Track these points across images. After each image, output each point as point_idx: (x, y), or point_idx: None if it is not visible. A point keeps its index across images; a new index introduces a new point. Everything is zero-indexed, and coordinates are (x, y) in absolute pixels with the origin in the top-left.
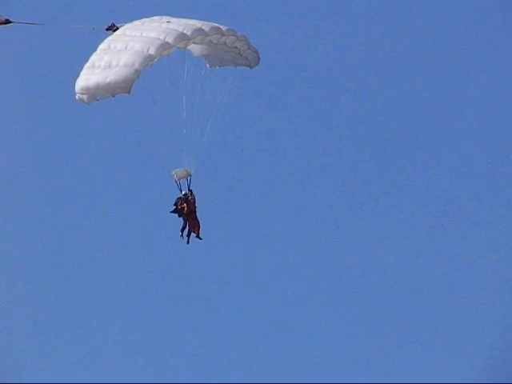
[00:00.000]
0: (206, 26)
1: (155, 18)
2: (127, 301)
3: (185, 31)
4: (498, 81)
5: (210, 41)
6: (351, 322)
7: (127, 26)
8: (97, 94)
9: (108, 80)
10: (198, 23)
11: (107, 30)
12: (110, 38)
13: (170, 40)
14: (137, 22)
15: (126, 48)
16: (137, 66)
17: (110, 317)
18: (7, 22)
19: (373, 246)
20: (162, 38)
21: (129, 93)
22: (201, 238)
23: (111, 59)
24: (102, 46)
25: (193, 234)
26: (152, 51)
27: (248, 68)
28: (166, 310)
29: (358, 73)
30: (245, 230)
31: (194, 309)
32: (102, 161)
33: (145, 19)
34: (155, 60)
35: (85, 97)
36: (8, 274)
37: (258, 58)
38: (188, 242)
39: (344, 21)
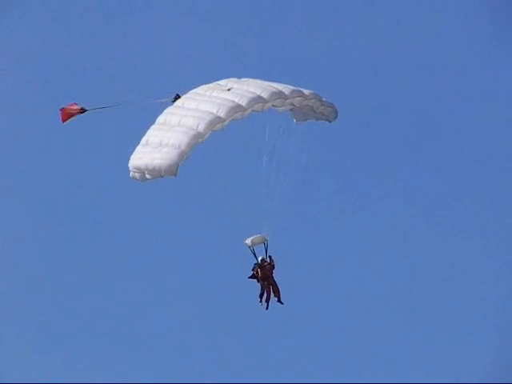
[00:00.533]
0: (266, 92)
1: (221, 82)
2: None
3: (240, 102)
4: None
5: (273, 105)
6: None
7: (188, 94)
8: (147, 174)
9: (154, 163)
10: (258, 89)
11: (173, 102)
12: (168, 109)
13: (222, 114)
14: (199, 90)
15: (178, 124)
16: (183, 147)
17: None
18: (82, 110)
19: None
20: (214, 111)
21: (175, 175)
22: (282, 303)
23: (163, 137)
24: (159, 119)
25: (274, 299)
26: (201, 128)
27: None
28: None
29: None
30: (327, 292)
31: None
32: (177, 227)
33: (209, 85)
34: (206, 136)
35: (137, 175)
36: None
37: (335, 112)
38: (267, 308)
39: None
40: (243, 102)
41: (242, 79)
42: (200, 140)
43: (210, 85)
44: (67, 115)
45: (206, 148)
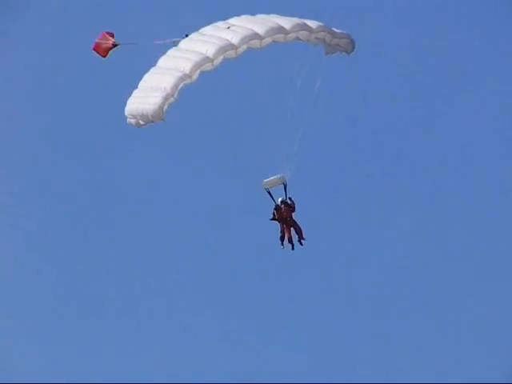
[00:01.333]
0: (263, 28)
1: (231, 20)
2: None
3: (232, 40)
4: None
5: (274, 41)
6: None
7: (192, 34)
8: (139, 120)
9: (142, 108)
10: (256, 25)
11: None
12: (169, 51)
13: (210, 54)
14: (204, 29)
15: (171, 67)
16: (168, 90)
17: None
18: (115, 44)
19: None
20: (203, 51)
21: (162, 120)
22: (301, 244)
23: (153, 82)
24: (158, 62)
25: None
26: (187, 69)
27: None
28: None
29: None
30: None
31: None
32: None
33: (216, 23)
34: (194, 77)
35: (133, 121)
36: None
37: (352, 43)
38: (292, 248)
39: None
40: (235, 40)
41: (257, 16)
42: (188, 81)
43: (218, 23)
44: (105, 50)
45: (224, 85)
